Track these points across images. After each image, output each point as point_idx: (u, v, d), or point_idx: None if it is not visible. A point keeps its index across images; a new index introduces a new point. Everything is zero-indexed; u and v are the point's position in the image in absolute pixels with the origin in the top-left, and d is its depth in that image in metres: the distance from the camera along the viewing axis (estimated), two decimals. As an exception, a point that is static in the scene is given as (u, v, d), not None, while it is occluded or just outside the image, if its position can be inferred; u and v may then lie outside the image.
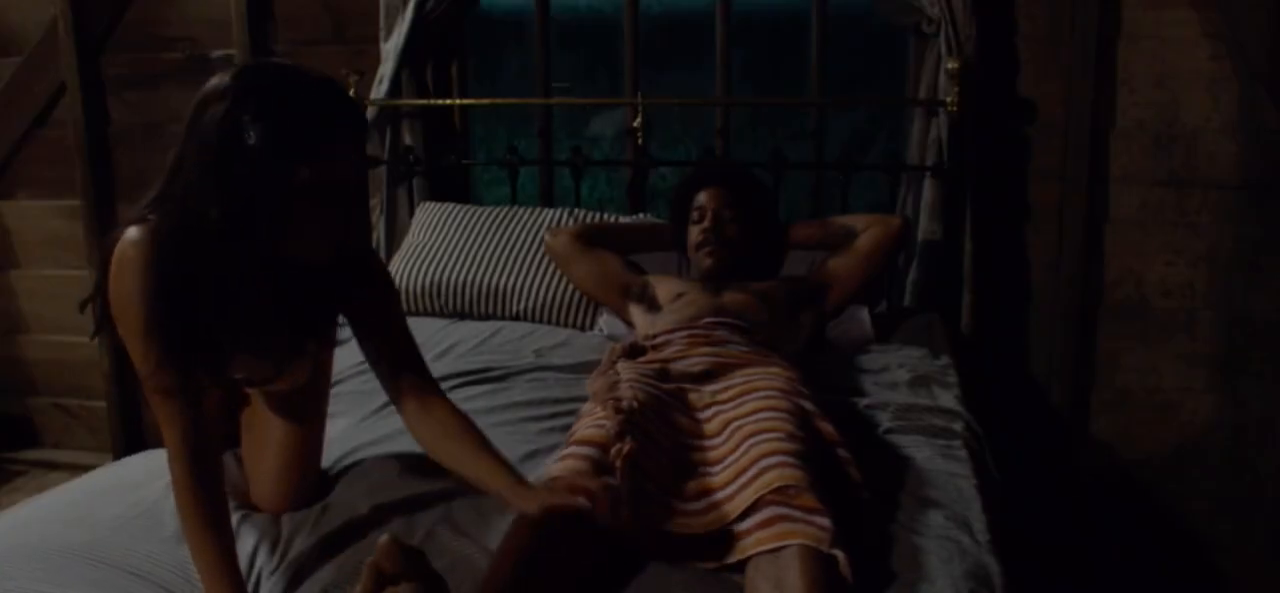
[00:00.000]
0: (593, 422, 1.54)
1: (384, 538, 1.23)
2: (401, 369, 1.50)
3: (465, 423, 1.46)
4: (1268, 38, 2.47)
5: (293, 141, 1.27)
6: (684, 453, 1.55)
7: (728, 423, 1.58)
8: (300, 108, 1.29)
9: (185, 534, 1.36)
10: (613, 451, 1.44)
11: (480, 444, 1.42)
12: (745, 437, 1.51)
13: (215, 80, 1.30)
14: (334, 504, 1.56)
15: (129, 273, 1.32)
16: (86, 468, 1.79)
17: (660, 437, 1.54)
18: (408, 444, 1.70)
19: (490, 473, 1.38)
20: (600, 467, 1.43)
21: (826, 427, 1.61)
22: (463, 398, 1.97)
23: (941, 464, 1.71)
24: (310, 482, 1.60)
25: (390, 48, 2.86)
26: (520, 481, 1.37)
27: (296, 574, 1.40)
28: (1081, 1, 2.56)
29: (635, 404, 1.53)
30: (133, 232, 1.33)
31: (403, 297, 2.59)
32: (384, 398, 1.67)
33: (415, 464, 1.62)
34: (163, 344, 1.32)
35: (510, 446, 1.80)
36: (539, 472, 1.68)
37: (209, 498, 1.36)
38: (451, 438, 1.44)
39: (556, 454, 1.56)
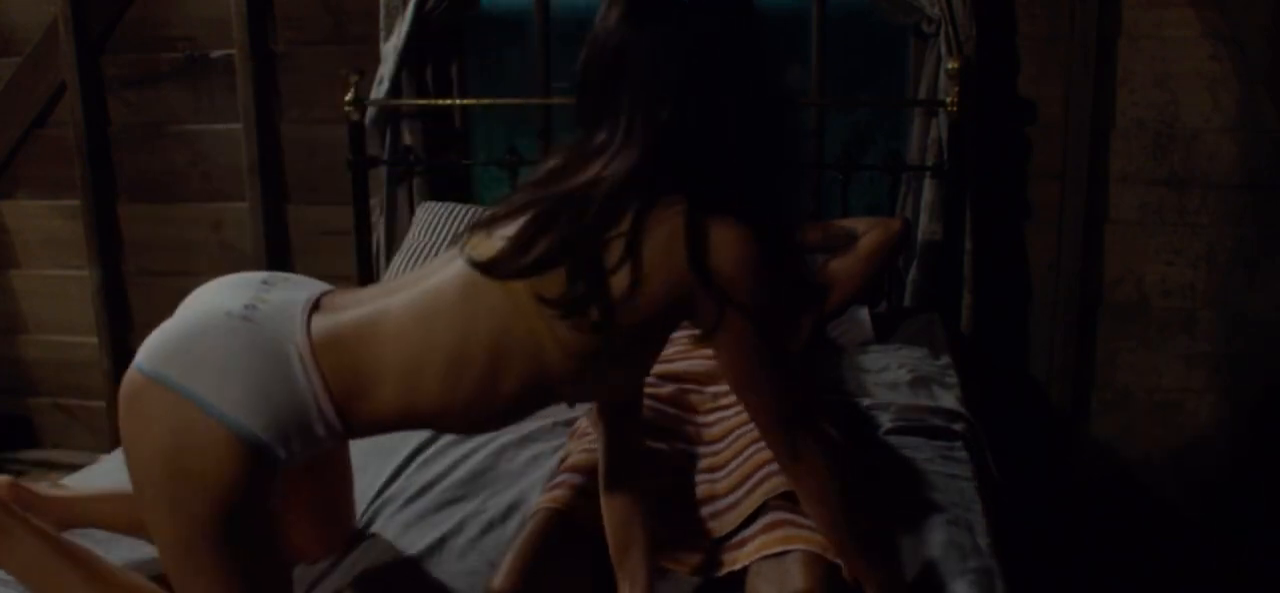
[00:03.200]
0: (583, 447, 1.54)
1: None
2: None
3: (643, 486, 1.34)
4: (1268, 38, 2.47)
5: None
6: (685, 462, 1.55)
7: (731, 430, 1.58)
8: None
9: None
10: None
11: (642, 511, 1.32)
12: (749, 443, 1.50)
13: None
14: (360, 555, 1.50)
15: (746, 261, 1.05)
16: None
17: (658, 451, 1.53)
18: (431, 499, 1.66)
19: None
20: (590, 494, 1.41)
21: (831, 430, 1.60)
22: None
23: (942, 465, 1.72)
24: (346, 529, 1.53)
25: (390, 48, 2.85)
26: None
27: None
28: (1081, 1, 2.56)
29: None
30: (734, 228, 1.05)
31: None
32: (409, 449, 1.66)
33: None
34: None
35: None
36: (541, 473, 1.68)
37: None
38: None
39: (550, 481, 1.54)
